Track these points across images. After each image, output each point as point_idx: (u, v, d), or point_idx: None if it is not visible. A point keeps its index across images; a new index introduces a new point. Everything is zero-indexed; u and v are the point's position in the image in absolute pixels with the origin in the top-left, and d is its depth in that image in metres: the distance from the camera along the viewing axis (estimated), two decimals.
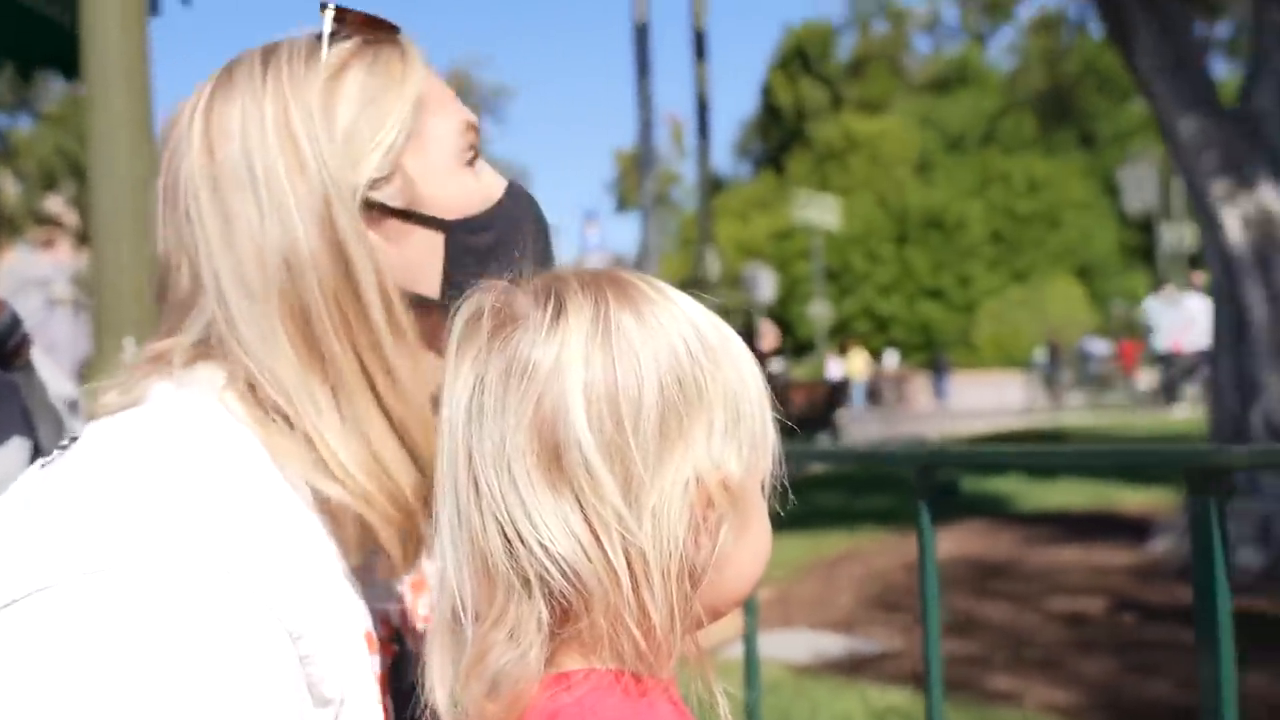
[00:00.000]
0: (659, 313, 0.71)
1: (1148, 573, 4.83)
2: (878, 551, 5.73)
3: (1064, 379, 27.37)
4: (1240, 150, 5.52)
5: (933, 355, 32.24)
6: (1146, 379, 25.13)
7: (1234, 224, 5.45)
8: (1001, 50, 42.97)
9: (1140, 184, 20.19)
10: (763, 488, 0.76)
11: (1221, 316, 5.64)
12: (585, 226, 47.68)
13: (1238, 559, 4.90)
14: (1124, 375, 27.46)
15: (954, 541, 5.98)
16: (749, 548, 0.74)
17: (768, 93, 45.73)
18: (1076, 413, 20.21)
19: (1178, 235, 23.64)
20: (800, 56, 44.22)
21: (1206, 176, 5.55)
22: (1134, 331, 35.52)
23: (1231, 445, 1.00)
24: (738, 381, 0.73)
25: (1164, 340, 16.24)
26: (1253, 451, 1.06)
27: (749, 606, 1.38)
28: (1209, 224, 5.60)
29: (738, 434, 0.72)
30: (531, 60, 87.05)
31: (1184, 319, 15.23)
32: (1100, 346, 29.20)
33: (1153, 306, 17.00)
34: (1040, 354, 28.91)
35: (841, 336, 34.11)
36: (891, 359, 30.78)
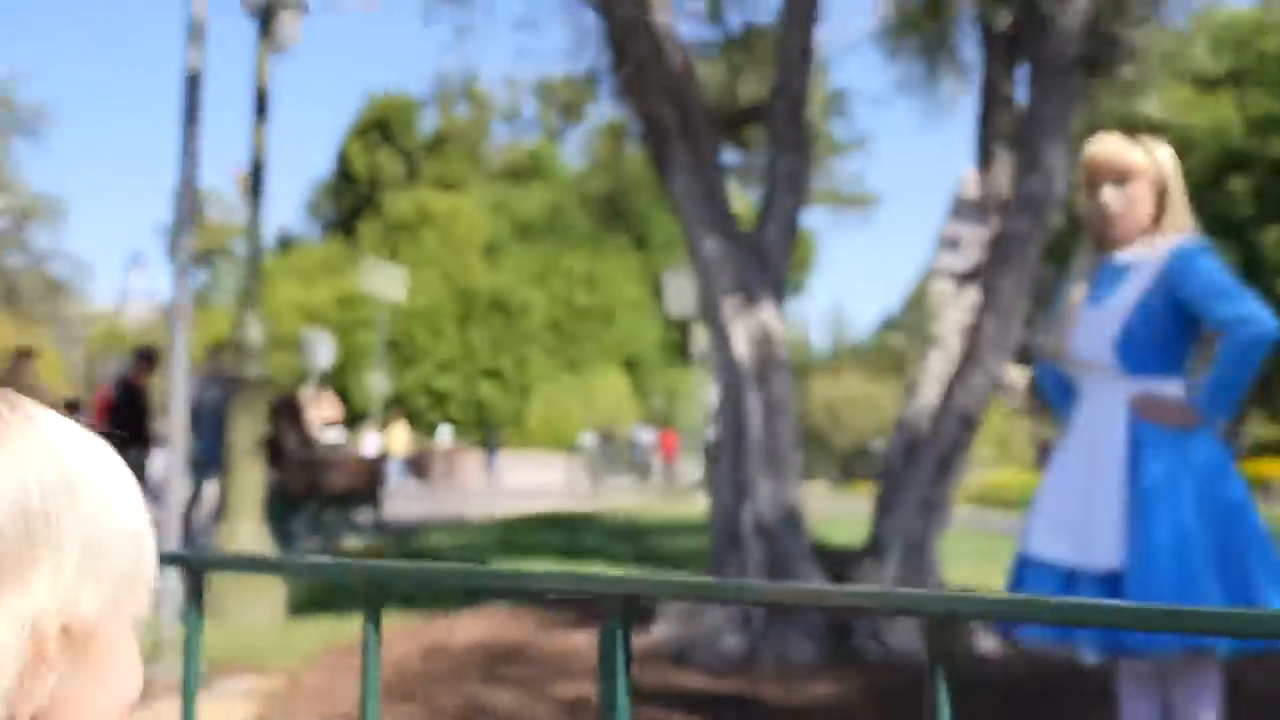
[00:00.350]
0: (11, 438, 0.66)
1: (647, 657, 5.17)
2: (399, 638, 5.66)
3: (608, 463, 29.07)
4: (750, 274, 6.22)
5: (486, 434, 32.97)
6: (691, 468, 27.22)
7: (740, 339, 6.09)
8: (573, 149, 45.57)
9: (680, 289, 22.07)
10: (134, 625, 0.71)
11: (725, 420, 6.25)
12: (130, 271, 44.00)
13: (722, 645, 5.39)
14: (666, 463, 29.73)
15: (478, 626, 6.06)
16: (103, 693, 0.69)
17: (344, 157, 45.18)
18: (616, 496, 21.43)
19: (708, 339, 26.07)
20: (381, 126, 44.22)
21: (721, 294, 6.17)
22: (672, 423, 38.40)
23: (646, 577, 1.09)
24: (103, 513, 0.68)
25: (713, 431, 17.49)
26: (659, 583, 1.15)
27: (187, 706, 1.29)
28: (720, 336, 6.22)
29: (97, 570, 0.67)
30: (83, 86, 79.71)
31: None
32: (648, 436, 31.40)
33: (714, 398, 18.25)
34: (588, 438, 30.53)
35: (395, 410, 33.96)
36: (445, 435, 31.02)
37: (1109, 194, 2.74)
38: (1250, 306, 2.57)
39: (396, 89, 45.15)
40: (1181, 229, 2.75)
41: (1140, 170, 2.72)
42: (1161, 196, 2.76)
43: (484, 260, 40.63)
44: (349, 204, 45.00)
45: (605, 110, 7.73)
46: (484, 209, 42.61)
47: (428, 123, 46.64)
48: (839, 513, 13.97)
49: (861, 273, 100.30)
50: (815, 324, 72.44)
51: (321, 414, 18.43)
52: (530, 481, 21.95)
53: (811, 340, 59.84)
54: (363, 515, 12.43)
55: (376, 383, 32.54)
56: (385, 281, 33.02)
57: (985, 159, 6.19)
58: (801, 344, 55.30)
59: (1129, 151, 2.75)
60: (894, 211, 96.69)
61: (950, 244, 6.78)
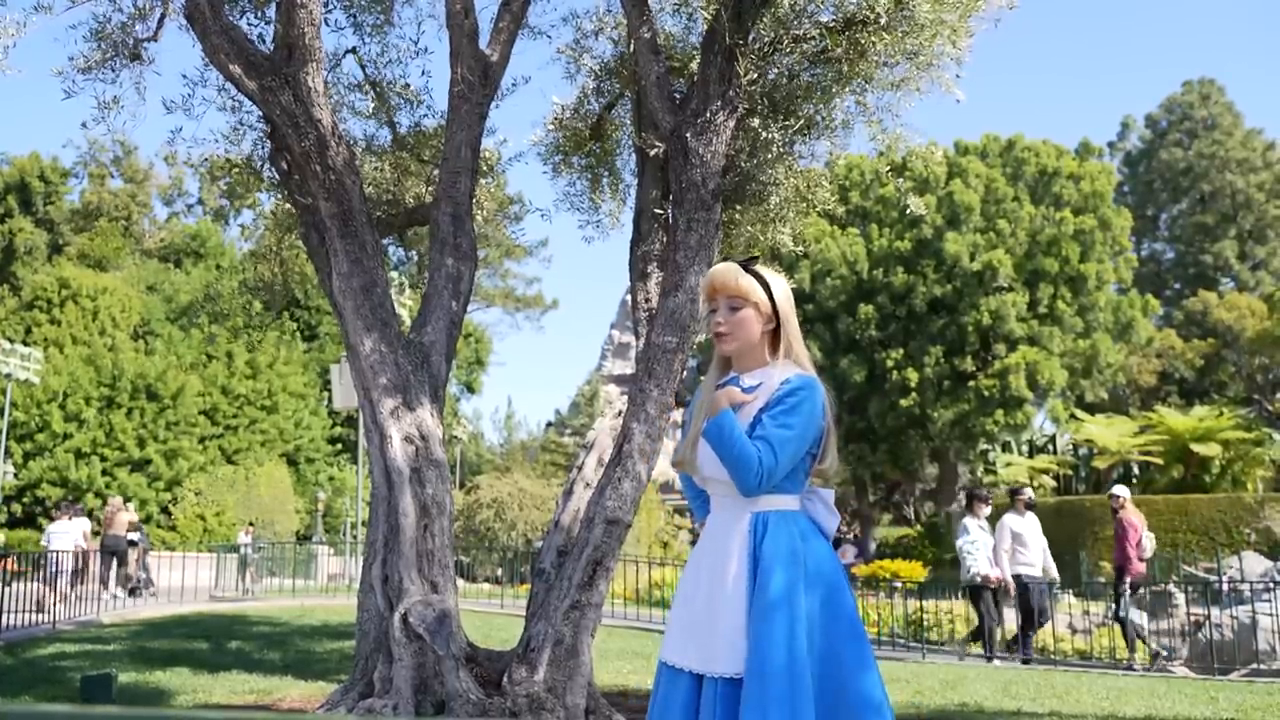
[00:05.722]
0: None
1: None
2: None
3: (264, 562, 27.41)
4: (409, 374, 6.18)
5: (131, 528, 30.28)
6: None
7: (397, 437, 6.02)
8: (237, 232, 43.70)
9: (348, 383, 21.61)
10: None
11: (379, 520, 6.10)
12: None
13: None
14: None
15: None
16: None
17: None
18: (276, 597, 20.29)
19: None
20: (20, 191, 40.48)
21: (380, 393, 6.08)
22: (336, 518, 36.88)
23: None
24: None
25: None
26: None
27: None
28: (378, 435, 6.10)
29: None
30: None
31: None
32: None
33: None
34: (243, 535, 28.72)
35: (25, 503, 30.59)
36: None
37: (722, 314, 2.99)
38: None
39: (40, 153, 41.69)
40: (796, 356, 3.01)
41: (749, 296, 2.98)
42: (774, 324, 3.02)
43: (134, 342, 37.78)
44: None
45: (270, 196, 7.52)
46: (136, 288, 39.77)
47: (76, 194, 43.28)
48: (505, 611, 13.88)
49: (537, 372, 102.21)
50: (489, 422, 72.62)
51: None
52: (178, 581, 20.27)
53: (485, 437, 59.89)
54: None
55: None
56: (16, 361, 29.98)
57: (639, 274, 6.50)
58: (475, 441, 55.16)
59: (741, 278, 3.00)
60: (571, 314, 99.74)
61: (614, 350, 7.08)
